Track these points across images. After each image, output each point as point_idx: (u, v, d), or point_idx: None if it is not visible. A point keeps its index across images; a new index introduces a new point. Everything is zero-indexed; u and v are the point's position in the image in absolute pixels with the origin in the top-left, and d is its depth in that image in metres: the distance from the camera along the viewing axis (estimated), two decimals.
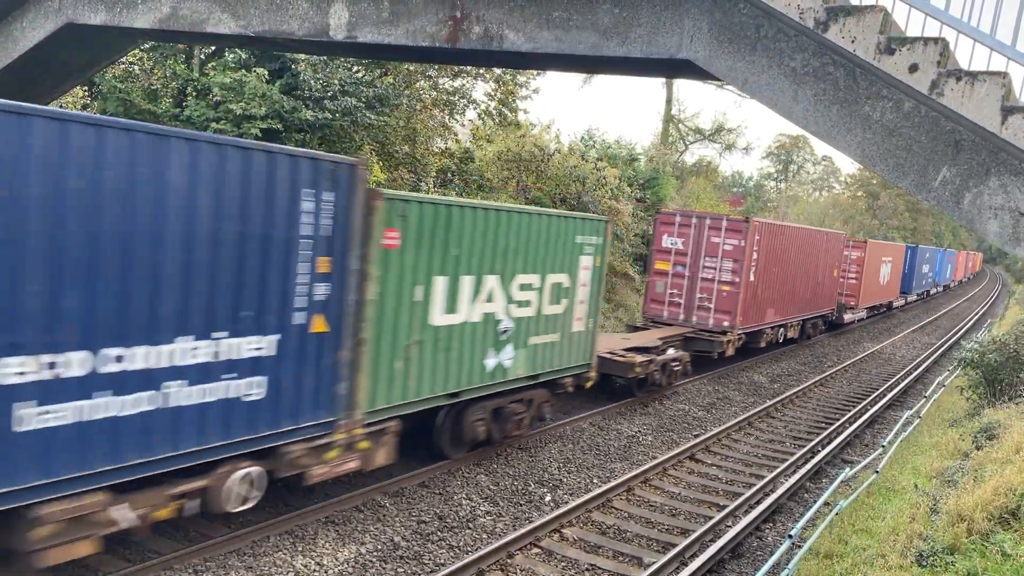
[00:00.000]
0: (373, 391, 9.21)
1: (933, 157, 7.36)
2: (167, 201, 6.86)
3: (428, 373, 10.04)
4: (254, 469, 8.11)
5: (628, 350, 16.17)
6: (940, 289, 58.97)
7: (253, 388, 7.81)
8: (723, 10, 8.18)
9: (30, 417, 6.18)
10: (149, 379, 6.94)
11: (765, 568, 8.19)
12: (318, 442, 8.61)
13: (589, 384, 14.06)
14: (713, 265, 20.39)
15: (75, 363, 6.41)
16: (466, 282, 10.42)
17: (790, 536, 8.81)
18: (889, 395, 19.81)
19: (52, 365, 6.26)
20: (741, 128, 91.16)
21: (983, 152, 7.14)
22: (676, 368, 17.28)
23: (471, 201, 12.06)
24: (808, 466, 13.06)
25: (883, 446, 13.49)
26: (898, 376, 23.17)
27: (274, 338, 7.94)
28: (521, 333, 11.69)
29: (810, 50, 7.86)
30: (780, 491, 11.69)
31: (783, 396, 18.53)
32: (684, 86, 72.57)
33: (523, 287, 11.58)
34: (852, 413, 17.60)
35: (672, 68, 10.66)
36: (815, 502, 10.99)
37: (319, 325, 8.35)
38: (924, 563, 8.10)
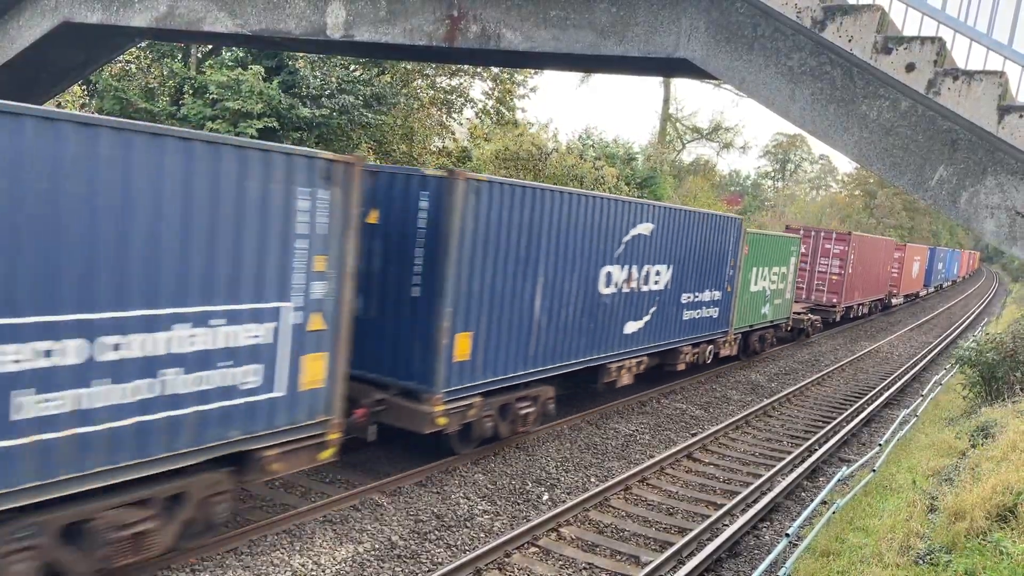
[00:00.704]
0: (740, 318, 20.52)
1: (930, 156, 7.37)
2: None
3: (750, 313, 21.25)
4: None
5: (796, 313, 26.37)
6: (950, 283, 70.29)
7: None
8: (720, 9, 8.18)
9: None
10: None
11: (762, 567, 8.20)
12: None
13: (789, 329, 25.71)
14: (826, 263, 30.94)
15: None
16: (759, 271, 21.49)
17: (787, 535, 8.82)
18: (886, 394, 19.84)
19: None
20: (739, 127, 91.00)
21: (980, 151, 7.15)
22: (815, 323, 28.58)
23: (786, 236, 25.30)
24: (805, 465, 13.08)
25: (880, 445, 13.51)
26: (895, 375, 23.20)
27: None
28: (771, 297, 22.77)
29: (807, 49, 7.86)
30: (777, 490, 11.70)
31: (781, 395, 18.55)
32: (682, 85, 72.64)
33: (774, 274, 22.79)
34: (849, 412, 17.62)
35: (669, 67, 10.68)
36: (812, 501, 11.01)
37: None
38: (922, 562, 8.11)
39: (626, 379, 15.17)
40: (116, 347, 6.56)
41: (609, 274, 13.69)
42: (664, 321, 16.14)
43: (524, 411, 12.22)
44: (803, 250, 29.06)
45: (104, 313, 6.44)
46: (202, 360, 7.22)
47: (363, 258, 9.81)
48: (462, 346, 10.58)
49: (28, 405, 6.06)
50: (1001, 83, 6.83)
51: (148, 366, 6.82)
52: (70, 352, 6.26)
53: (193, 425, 7.25)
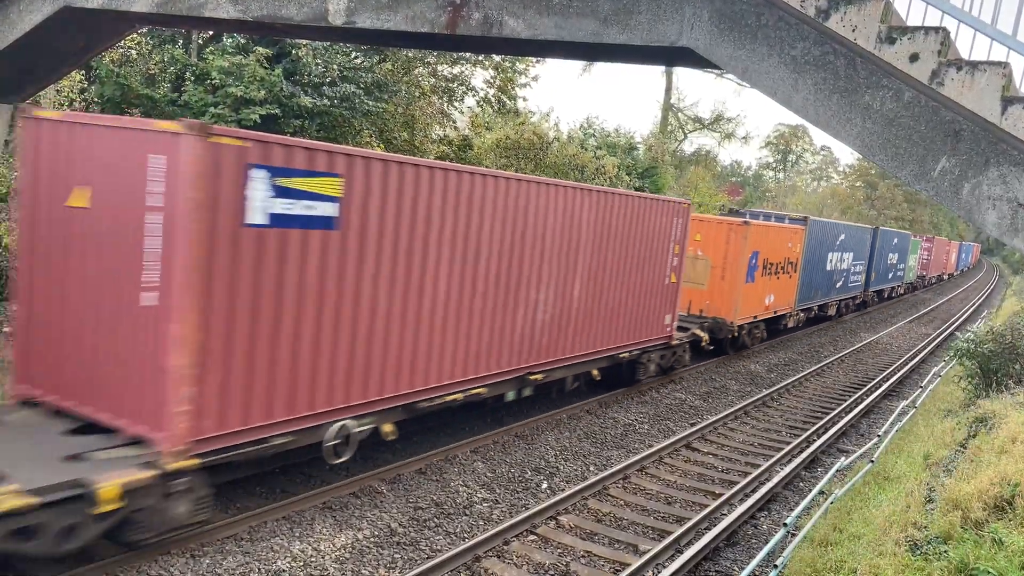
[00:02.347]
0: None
1: (932, 147, 7.35)
2: None
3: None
4: None
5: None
6: (966, 268, 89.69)
7: None
8: None
9: None
10: None
11: (760, 556, 8.23)
12: None
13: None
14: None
15: None
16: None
17: (785, 524, 8.85)
18: (885, 385, 19.88)
19: None
20: (740, 117, 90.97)
21: (983, 142, 7.13)
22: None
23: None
24: (804, 455, 13.11)
25: (879, 436, 13.54)
26: (894, 366, 23.24)
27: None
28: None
29: (811, 39, 7.83)
30: (775, 480, 11.74)
31: (780, 385, 18.58)
32: (684, 75, 72.45)
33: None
34: (848, 403, 17.66)
35: (672, 56, 10.62)
36: (811, 491, 11.05)
37: None
38: (918, 552, 8.14)
39: None
40: None
41: None
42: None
43: None
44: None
45: None
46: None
47: None
48: None
49: None
50: (1005, 74, 6.80)
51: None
52: None
53: None
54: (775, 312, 24.14)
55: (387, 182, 9.29)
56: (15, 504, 6.32)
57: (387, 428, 9.91)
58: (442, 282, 10.40)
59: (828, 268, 29.10)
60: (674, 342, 17.37)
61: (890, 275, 40.81)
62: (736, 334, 21.27)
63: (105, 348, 7.79)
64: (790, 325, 26.12)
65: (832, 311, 31.64)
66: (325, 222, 8.57)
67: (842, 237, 30.25)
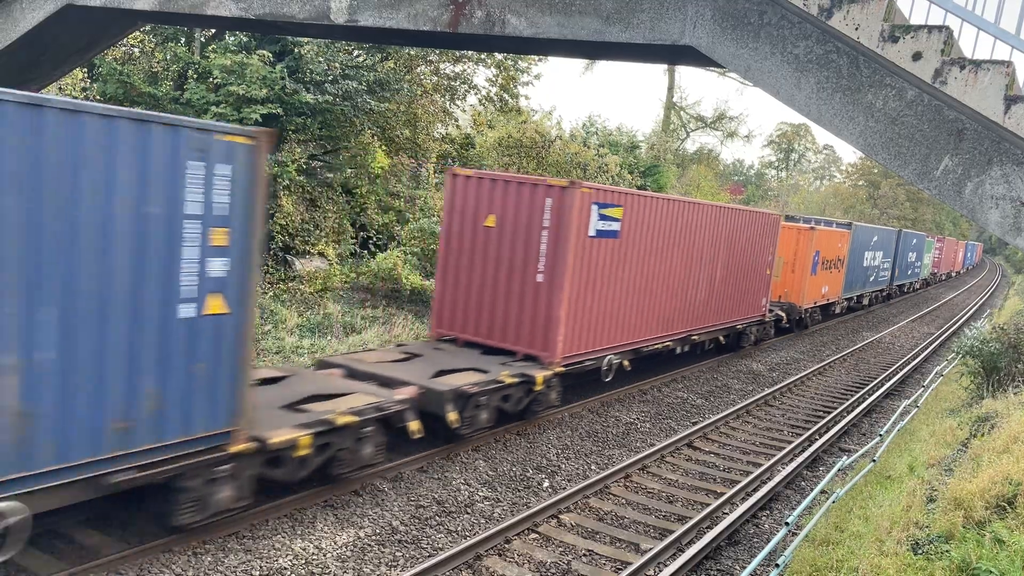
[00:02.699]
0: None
1: (935, 146, 7.34)
2: None
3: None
4: None
5: None
6: (971, 266, 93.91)
7: None
8: None
9: None
10: None
11: (762, 555, 8.23)
12: None
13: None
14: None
15: None
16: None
17: (787, 523, 8.84)
18: (887, 384, 19.86)
19: None
20: (743, 116, 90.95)
21: (985, 141, 7.12)
22: None
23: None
24: (805, 454, 13.10)
25: (880, 435, 13.53)
26: (896, 365, 23.22)
27: None
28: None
29: (814, 37, 7.82)
30: (777, 479, 11.73)
31: (781, 384, 18.57)
32: (686, 73, 72.39)
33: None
34: (850, 402, 17.65)
35: (675, 55, 10.62)
36: (812, 490, 11.04)
37: None
38: (919, 551, 8.13)
39: None
40: None
41: None
42: None
43: None
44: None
45: None
46: None
47: None
48: None
49: None
50: (1008, 73, 6.79)
51: None
52: None
53: None
54: (828, 300, 29.80)
55: (637, 209, 14.75)
56: (509, 380, 12.02)
57: (627, 363, 15.61)
58: (659, 271, 16.05)
59: (864, 265, 34.61)
60: (767, 319, 23.25)
61: (909, 271, 47.04)
62: (803, 315, 27.20)
63: (510, 306, 13.42)
64: (837, 311, 31.87)
65: (866, 301, 36.52)
66: (614, 234, 14.17)
67: (875, 238, 35.98)
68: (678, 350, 17.87)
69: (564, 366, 13.25)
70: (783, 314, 24.74)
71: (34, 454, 6.31)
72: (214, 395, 7.58)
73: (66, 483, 6.57)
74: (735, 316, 20.47)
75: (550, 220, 12.87)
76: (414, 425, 10.29)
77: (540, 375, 12.51)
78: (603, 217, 13.59)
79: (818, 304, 28.60)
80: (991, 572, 7.16)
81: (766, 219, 21.68)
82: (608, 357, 14.60)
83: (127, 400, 6.86)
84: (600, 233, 13.60)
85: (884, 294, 40.70)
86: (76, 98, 16.35)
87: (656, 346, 16.45)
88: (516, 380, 12.12)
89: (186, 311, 7.19)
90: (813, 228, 26.91)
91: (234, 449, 7.83)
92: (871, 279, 36.34)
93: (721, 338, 20.20)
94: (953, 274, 75.21)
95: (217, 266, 7.40)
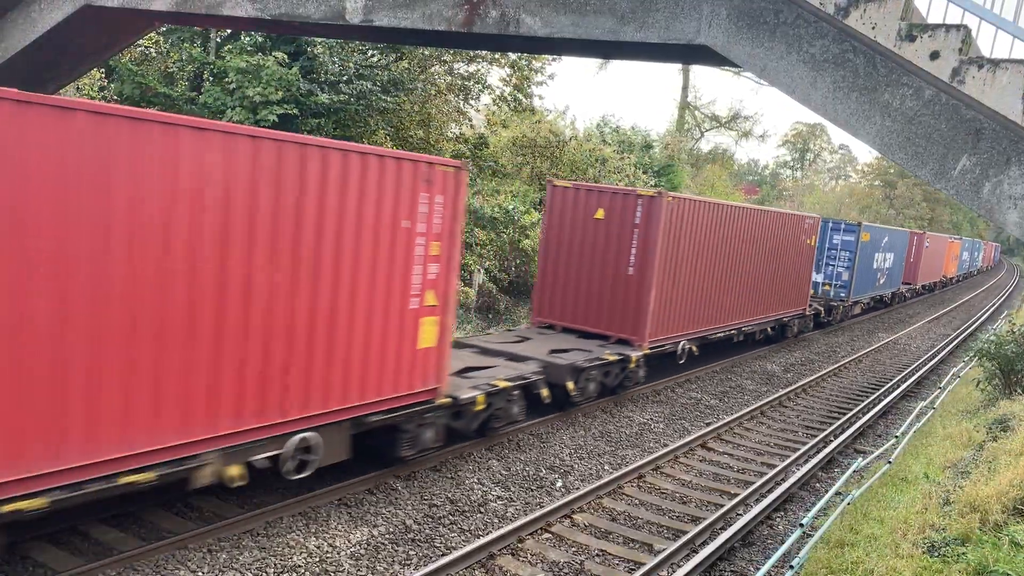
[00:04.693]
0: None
1: (953, 146, 7.29)
2: None
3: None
4: None
5: None
6: (989, 266, 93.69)
7: None
8: None
9: None
10: None
11: (776, 556, 8.20)
12: None
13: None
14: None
15: None
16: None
17: (801, 525, 8.81)
18: (903, 386, 19.72)
19: None
20: (757, 116, 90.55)
21: (1004, 141, 7.06)
22: None
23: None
24: (820, 456, 13.03)
25: (896, 436, 13.44)
26: (912, 367, 23.05)
27: None
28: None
29: (830, 36, 7.78)
30: (792, 480, 11.67)
31: (796, 385, 18.48)
32: (701, 73, 72.17)
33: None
34: (865, 403, 17.53)
35: (690, 54, 10.59)
36: (827, 491, 10.98)
37: None
38: (935, 553, 8.08)
39: None
40: None
41: None
42: None
43: None
44: None
45: None
46: None
47: None
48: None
49: None
50: None
51: None
52: None
53: None
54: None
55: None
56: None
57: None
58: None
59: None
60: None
61: (976, 262, 57.16)
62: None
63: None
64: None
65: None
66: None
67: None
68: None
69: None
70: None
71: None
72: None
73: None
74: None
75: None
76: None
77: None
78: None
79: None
80: (1008, 575, 7.11)
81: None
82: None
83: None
84: None
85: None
86: (94, 97, 16.48)
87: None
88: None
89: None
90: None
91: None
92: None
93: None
94: (975, 272, 70.64)
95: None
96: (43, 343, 6.14)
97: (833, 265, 30.09)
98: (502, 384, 11.53)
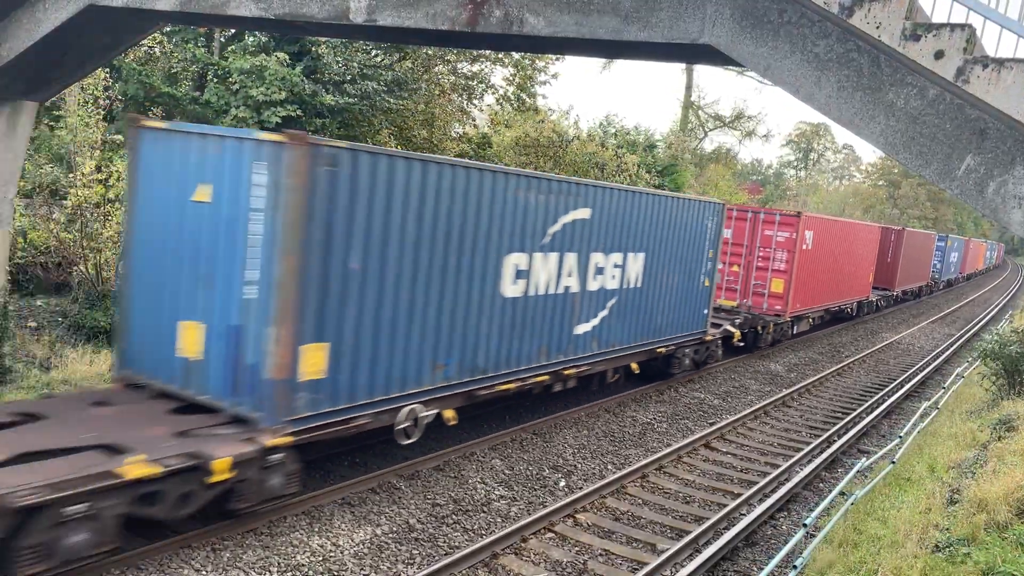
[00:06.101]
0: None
1: (957, 145, 7.27)
2: None
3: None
4: None
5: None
6: (993, 265, 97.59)
7: None
8: None
9: None
10: None
11: (779, 556, 8.19)
12: None
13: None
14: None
15: None
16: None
17: (805, 525, 8.79)
18: (907, 386, 19.69)
19: None
20: (761, 115, 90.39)
21: (1009, 141, 7.04)
22: None
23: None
24: (824, 456, 13.01)
25: (900, 436, 13.42)
26: (916, 367, 23.01)
27: None
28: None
29: (834, 36, 7.76)
30: (795, 480, 11.66)
31: (800, 385, 18.46)
32: (704, 72, 72.13)
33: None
34: (869, 403, 17.51)
35: (693, 53, 10.56)
36: (830, 491, 10.96)
37: None
38: (940, 553, 8.06)
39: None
40: None
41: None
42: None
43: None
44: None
45: None
46: None
47: None
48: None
49: None
50: None
51: None
52: None
53: None
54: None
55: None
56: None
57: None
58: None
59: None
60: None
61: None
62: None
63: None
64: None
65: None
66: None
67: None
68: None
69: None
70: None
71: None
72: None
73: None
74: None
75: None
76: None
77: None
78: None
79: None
80: (1016, 575, 7.09)
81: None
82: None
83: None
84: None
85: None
86: (98, 97, 16.50)
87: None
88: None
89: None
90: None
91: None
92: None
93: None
94: (981, 271, 78.89)
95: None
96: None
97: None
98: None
